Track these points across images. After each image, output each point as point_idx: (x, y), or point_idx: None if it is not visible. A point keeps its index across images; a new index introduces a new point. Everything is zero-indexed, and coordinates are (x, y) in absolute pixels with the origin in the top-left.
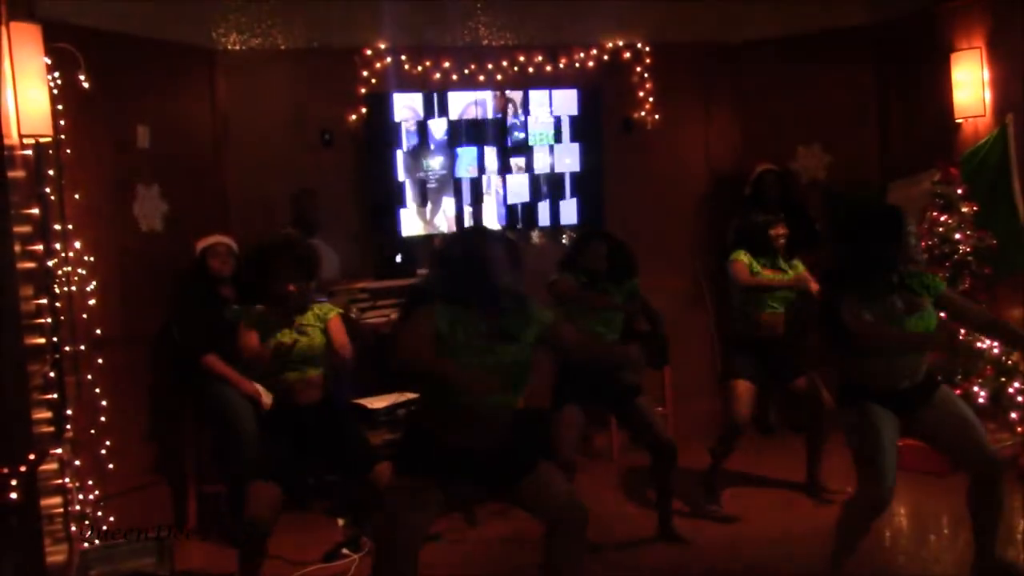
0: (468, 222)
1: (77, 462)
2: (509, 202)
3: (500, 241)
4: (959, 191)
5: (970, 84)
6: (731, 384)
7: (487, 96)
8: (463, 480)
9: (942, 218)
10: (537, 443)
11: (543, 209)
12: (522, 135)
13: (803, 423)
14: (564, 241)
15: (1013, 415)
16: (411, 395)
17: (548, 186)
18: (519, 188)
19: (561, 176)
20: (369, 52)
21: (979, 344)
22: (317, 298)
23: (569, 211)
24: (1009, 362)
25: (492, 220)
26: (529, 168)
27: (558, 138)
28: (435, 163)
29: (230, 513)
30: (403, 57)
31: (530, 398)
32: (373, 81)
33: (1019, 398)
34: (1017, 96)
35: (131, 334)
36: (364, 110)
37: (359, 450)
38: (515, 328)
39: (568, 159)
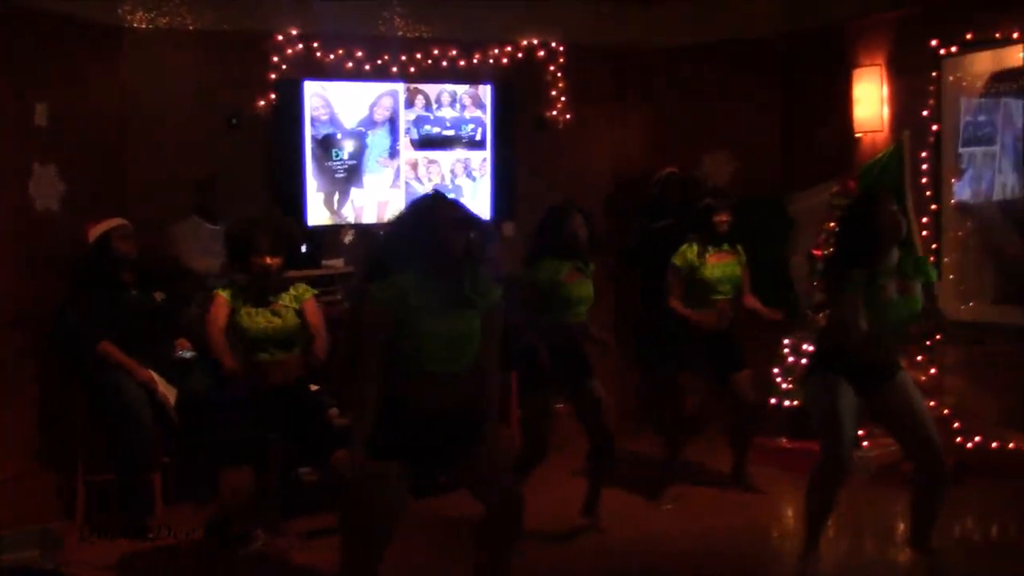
0: (374, 214)
1: None
2: (419, 194)
3: (459, 208)
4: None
5: (870, 100)
6: (679, 376)
7: (399, 88)
8: (427, 457)
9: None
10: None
11: (492, 237)
12: (434, 128)
13: (732, 418)
14: (472, 236)
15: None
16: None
17: (459, 179)
18: (429, 181)
19: (472, 170)
20: (281, 38)
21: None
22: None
23: (480, 205)
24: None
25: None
26: (440, 161)
27: (470, 132)
28: (344, 153)
29: (121, 503)
30: (315, 44)
31: None
32: (284, 67)
33: None
34: (913, 113)
35: (21, 317)
36: (273, 96)
37: (320, 435)
38: (473, 295)
39: (480, 153)
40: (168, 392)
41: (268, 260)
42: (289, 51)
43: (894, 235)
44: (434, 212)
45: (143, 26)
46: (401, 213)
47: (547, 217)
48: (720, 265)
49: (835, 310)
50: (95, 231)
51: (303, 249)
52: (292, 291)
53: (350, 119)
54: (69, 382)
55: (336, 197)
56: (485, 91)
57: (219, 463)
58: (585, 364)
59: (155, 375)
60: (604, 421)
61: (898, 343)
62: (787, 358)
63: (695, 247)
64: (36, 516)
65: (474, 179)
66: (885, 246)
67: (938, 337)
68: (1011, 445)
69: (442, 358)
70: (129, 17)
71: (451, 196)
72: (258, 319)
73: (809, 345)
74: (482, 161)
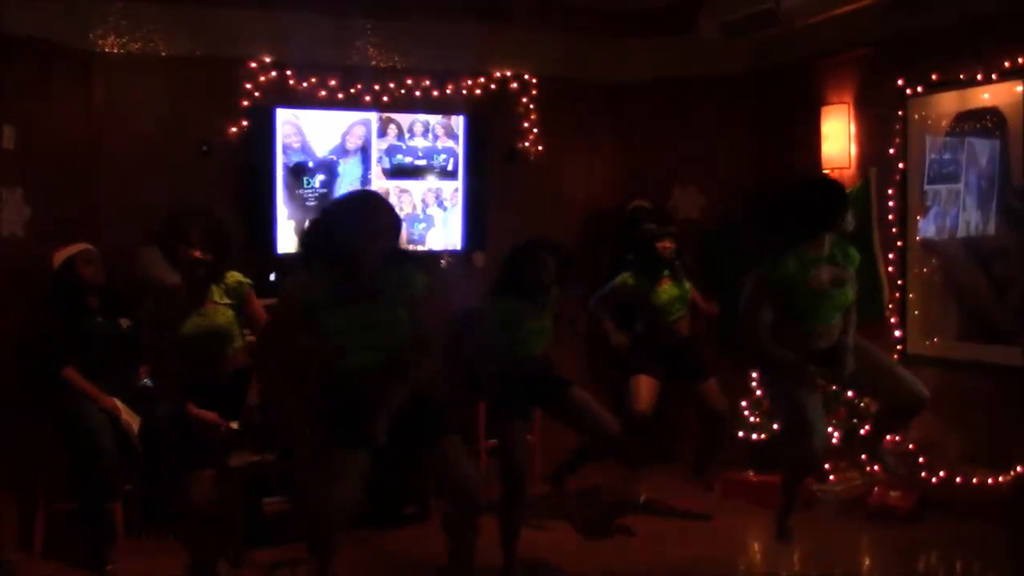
0: None
1: None
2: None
3: (374, 201)
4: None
5: (837, 137)
6: (633, 379)
7: (372, 117)
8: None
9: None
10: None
11: (424, 232)
12: (406, 158)
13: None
14: (443, 264)
15: (863, 455)
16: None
17: (430, 209)
18: (400, 210)
19: (444, 200)
20: (254, 65)
21: (834, 387)
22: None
23: (452, 236)
24: (861, 405)
25: None
26: (411, 191)
27: (442, 162)
28: (315, 181)
29: (82, 533)
30: (288, 72)
31: None
32: (256, 94)
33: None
34: (880, 151)
35: None
36: (245, 123)
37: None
38: (388, 288)
39: (452, 183)
40: (132, 420)
41: (197, 254)
42: (262, 78)
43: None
44: (372, 210)
45: (115, 51)
46: (335, 205)
47: (510, 257)
48: (667, 288)
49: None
50: (60, 256)
51: (271, 277)
52: (221, 284)
53: (322, 147)
54: (31, 408)
55: (306, 225)
56: (458, 122)
57: (179, 471)
58: (555, 381)
59: (119, 403)
60: (596, 416)
61: (836, 327)
62: (755, 391)
63: (639, 279)
64: None
65: (445, 209)
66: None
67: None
68: (975, 481)
69: (358, 355)
70: (101, 42)
71: (377, 197)
72: (190, 324)
73: None
74: (454, 191)
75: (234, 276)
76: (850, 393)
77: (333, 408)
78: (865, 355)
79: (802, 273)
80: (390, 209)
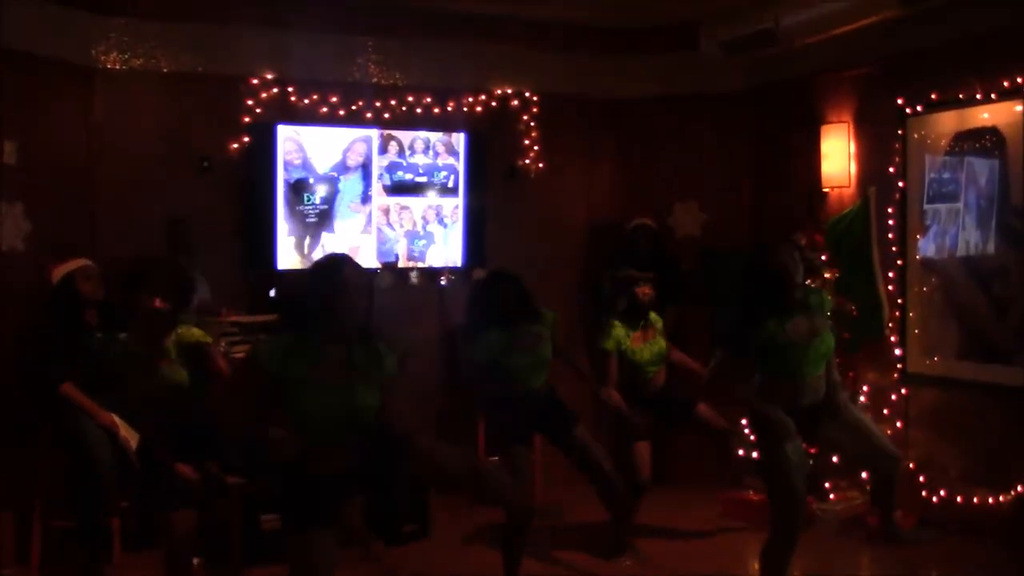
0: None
1: None
2: (390, 240)
3: (352, 270)
4: (823, 257)
5: (837, 156)
6: (633, 447)
7: (373, 133)
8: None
9: (806, 282)
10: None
11: (424, 249)
12: (406, 174)
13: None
14: (443, 283)
15: (863, 474)
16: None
17: (430, 226)
18: (401, 227)
19: (444, 217)
20: (255, 81)
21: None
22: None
23: (452, 253)
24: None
25: (372, 258)
26: (412, 208)
27: (443, 179)
28: (316, 197)
29: (79, 549)
30: (290, 89)
31: None
32: (258, 111)
33: None
34: (879, 170)
35: None
36: (246, 139)
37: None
38: (364, 364)
39: (452, 200)
40: (130, 436)
41: (156, 303)
42: (263, 95)
43: (791, 277)
44: (339, 275)
45: (116, 67)
46: (307, 272)
47: (474, 290)
48: (646, 346)
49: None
50: (59, 271)
51: (271, 293)
52: (176, 338)
53: (323, 164)
54: (30, 424)
55: (307, 241)
56: (458, 139)
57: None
58: (563, 415)
59: (117, 419)
60: (597, 462)
61: (823, 380)
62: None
63: (621, 327)
64: None
65: (446, 226)
66: (787, 288)
67: None
68: (975, 500)
69: (328, 430)
70: (103, 58)
71: (341, 257)
72: (151, 375)
73: None
74: (454, 208)
75: (194, 334)
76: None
77: (300, 485)
78: (845, 413)
79: (778, 328)
80: (357, 269)
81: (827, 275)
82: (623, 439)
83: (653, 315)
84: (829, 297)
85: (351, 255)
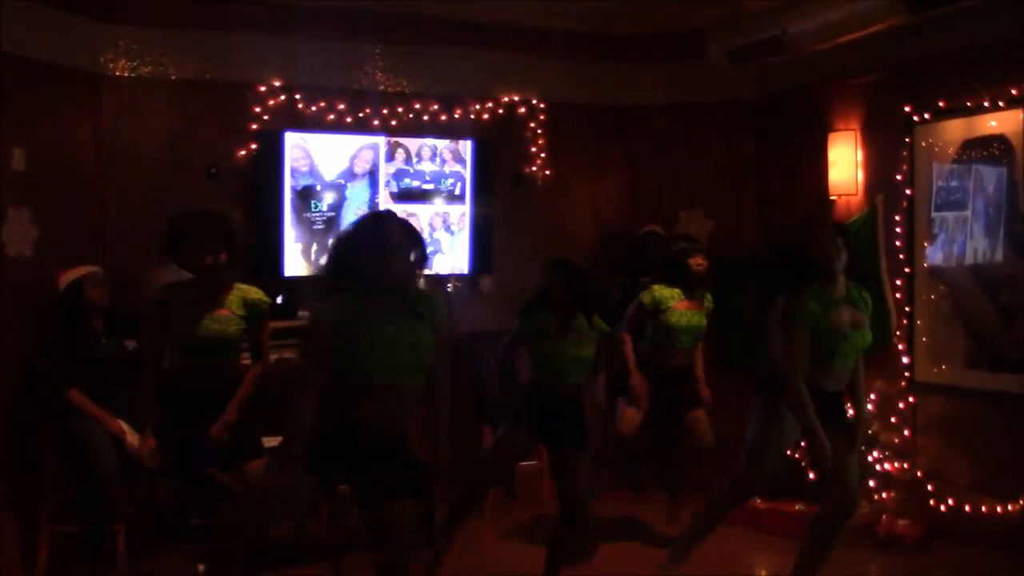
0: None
1: None
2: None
3: (385, 217)
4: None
5: (844, 163)
6: (620, 407)
7: (380, 141)
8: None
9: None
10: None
11: (432, 256)
12: (413, 181)
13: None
14: (449, 289)
15: (871, 483)
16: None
17: (437, 233)
18: None
19: (451, 224)
20: (263, 88)
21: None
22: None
23: (459, 260)
24: (870, 432)
25: None
26: (419, 215)
27: (450, 187)
28: (323, 204)
29: (84, 556)
30: (297, 96)
31: None
32: (265, 118)
33: (877, 467)
34: (887, 178)
35: None
36: (254, 146)
37: (239, 439)
38: (418, 306)
39: (459, 208)
40: (137, 443)
41: (208, 258)
42: (271, 102)
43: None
44: (383, 229)
45: (124, 74)
46: (349, 228)
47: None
48: (687, 314)
49: (784, 339)
50: (66, 278)
51: (279, 300)
52: (240, 294)
53: (330, 171)
54: (37, 430)
55: (314, 248)
56: (465, 146)
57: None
58: (573, 425)
59: (125, 425)
60: (575, 487)
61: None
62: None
63: (667, 288)
64: None
65: (453, 233)
66: (828, 266)
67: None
68: (984, 509)
69: (388, 367)
70: (111, 65)
71: (387, 214)
72: (201, 323)
73: None
74: (461, 215)
75: (256, 292)
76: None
77: (330, 433)
78: (844, 440)
79: (823, 313)
80: (404, 223)
81: None
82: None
83: (708, 295)
84: (869, 296)
85: (391, 212)
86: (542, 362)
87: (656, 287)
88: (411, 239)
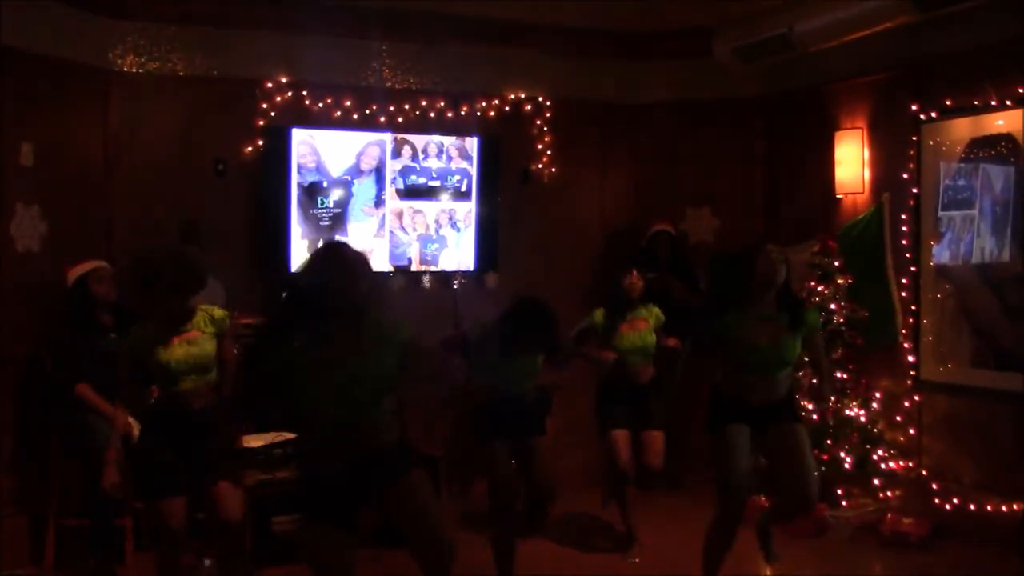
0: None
1: None
2: (403, 244)
3: (346, 254)
4: (836, 263)
5: (851, 162)
6: (610, 435)
7: (386, 137)
8: (356, 504)
9: (819, 288)
10: (408, 453)
11: (437, 253)
12: (420, 178)
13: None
14: (455, 285)
15: (876, 481)
16: (288, 435)
17: (443, 230)
18: (414, 231)
19: (457, 221)
20: (270, 85)
21: (847, 412)
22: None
23: (465, 256)
24: (875, 431)
25: (384, 261)
26: (425, 211)
27: (456, 183)
28: (330, 201)
29: (93, 548)
30: (304, 93)
31: None
32: (272, 114)
33: (883, 465)
34: (893, 176)
35: None
36: (261, 143)
37: (210, 457)
38: (368, 340)
39: (465, 205)
40: None
41: (176, 292)
42: (278, 98)
43: (768, 280)
44: (337, 258)
45: (132, 70)
46: (306, 261)
47: (509, 312)
48: (630, 336)
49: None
50: (74, 273)
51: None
52: (205, 315)
53: (337, 167)
54: (45, 424)
55: (320, 244)
56: (472, 143)
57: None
58: (534, 418)
59: (131, 420)
60: (540, 474)
61: (780, 385)
62: None
63: (603, 312)
64: (5, 560)
65: (458, 230)
66: (758, 289)
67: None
68: (989, 508)
69: (348, 403)
70: (119, 61)
71: (348, 245)
72: (175, 350)
73: None
74: (467, 212)
75: (220, 311)
76: (863, 418)
77: (317, 477)
78: (792, 437)
79: (736, 327)
80: (355, 251)
81: (840, 281)
82: (602, 427)
83: (646, 308)
84: (819, 319)
85: (335, 241)
86: (497, 381)
87: (596, 312)
88: (363, 265)
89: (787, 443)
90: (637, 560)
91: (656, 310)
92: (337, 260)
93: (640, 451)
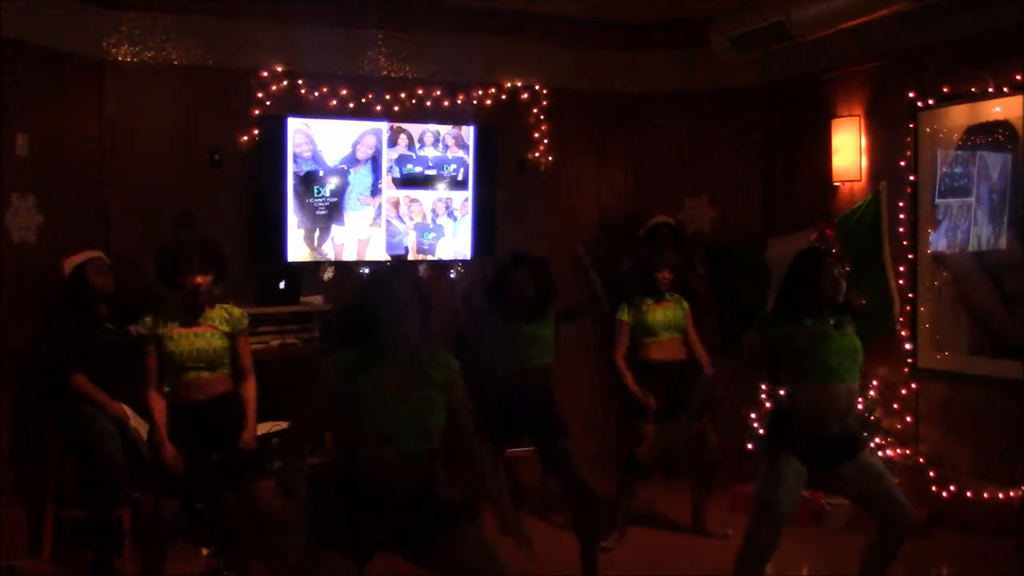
0: (355, 252)
1: None
2: (400, 233)
3: (408, 284)
4: (834, 251)
5: (848, 150)
6: (641, 428)
7: (383, 126)
8: (380, 547)
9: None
10: (455, 508)
11: (434, 242)
12: (416, 167)
13: (689, 465)
14: (452, 275)
15: None
16: (286, 424)
17: (440, 219)
18: (410, 219)
19: (453, 210)
20: (266, 74)
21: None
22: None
23: (462, 245)
24: (872, 418)
25: (381, 250)
26: (421, 200)
27: (453, 172)
28: (326, 190)
29: (90, 541)
30: (300, 82)
31: None
32: (268, 103)
33: (880, 453)
34: (890, 164)
35: None
36: (256, 132)
37: (248, 456)
38: (425, 373)
39: (462, 194)
40: (141, 427)
41: (198, 279)
42: (273, 87)
43: (832, 295)
44: (391, 286)
45: (127, 60)
46: (359, 286)
47: (494, 271)
48: (662, 309)
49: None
50: (70, 263)
51: (281, 285)
52: (223, 312)
53: (333, 156)
54: (42, 415)
55: (317, 234)
56: (468, 132)
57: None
58: (552, 423)
59: (128, 410)
60: (577, 472)
61: (853, 400)
62: (764, 403)
63: (636, 302)
64: (3, 551)
65: (455, 219)
66: (824, 304)
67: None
68: (985, 495)
69: (396, 438)
70: (114, 50)
71: (406, 269)
72: (183, 341)
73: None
74: (463, 201)
75: (237, 310)
76: (860, 405)
77: (341, 505)
78: (868, 460)
79: (808, 344)
80: (414, 283)
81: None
82: (627, 418)
83: (673, 298)
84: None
85: (403, 269)
86: (509, 357)
87: (625, 306)
88: (419, 298)
89: (872, 471)
90: (611, 547)
91: (683, 301)
92: (387, 292)
93: (694, 452)
